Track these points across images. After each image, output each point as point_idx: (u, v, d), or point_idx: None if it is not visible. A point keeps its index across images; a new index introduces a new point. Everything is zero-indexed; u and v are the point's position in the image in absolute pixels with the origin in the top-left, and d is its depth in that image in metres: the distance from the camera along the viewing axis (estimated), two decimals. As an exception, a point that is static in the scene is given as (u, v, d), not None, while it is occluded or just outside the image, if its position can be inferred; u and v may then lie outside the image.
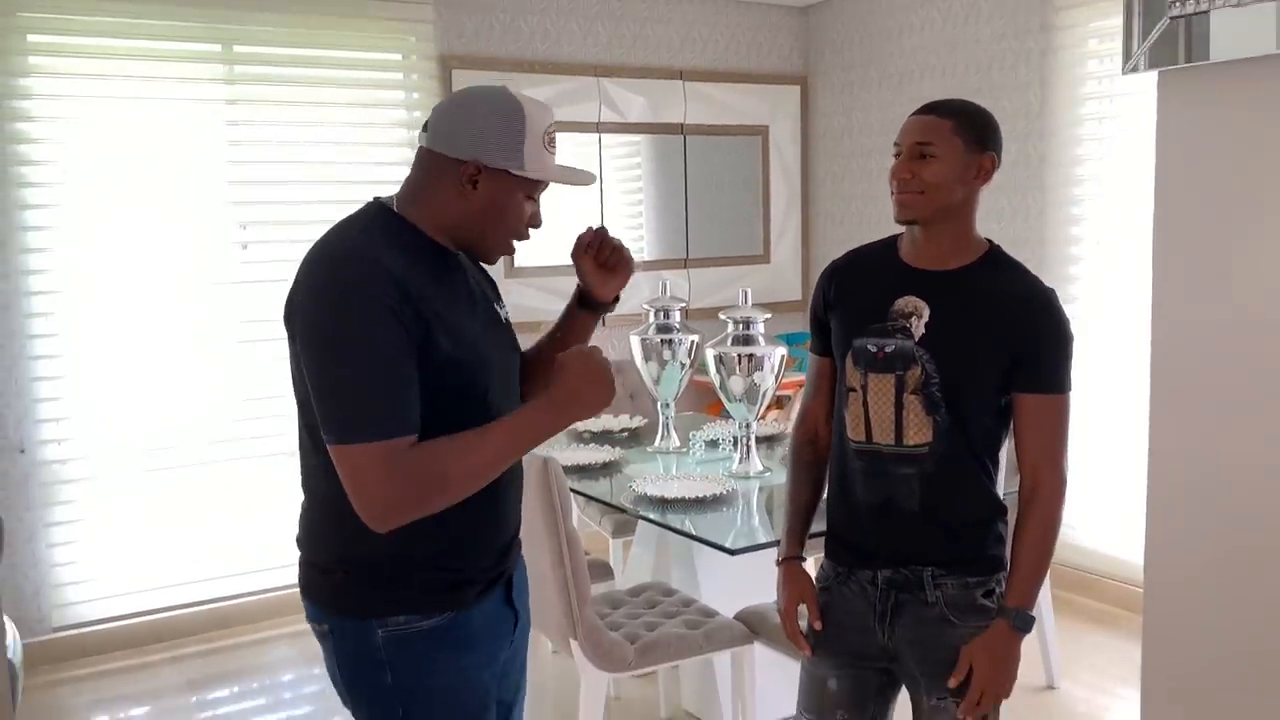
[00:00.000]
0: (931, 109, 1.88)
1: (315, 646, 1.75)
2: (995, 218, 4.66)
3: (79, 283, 4.03)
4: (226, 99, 4.25)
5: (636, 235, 5.28)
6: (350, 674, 1.69)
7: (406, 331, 1.52)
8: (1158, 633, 2.15)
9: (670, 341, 3.64)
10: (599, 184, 5.05)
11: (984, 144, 1.86)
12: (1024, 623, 1.87)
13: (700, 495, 3.02)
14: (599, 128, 5.04)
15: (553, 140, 1.65)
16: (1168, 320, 2.05)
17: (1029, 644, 3.63)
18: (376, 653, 1.64)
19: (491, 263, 1.76)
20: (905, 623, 1.91)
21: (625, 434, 3.92)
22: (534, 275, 4.90)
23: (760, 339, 3.30)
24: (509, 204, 1.63)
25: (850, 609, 1.97)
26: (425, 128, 1.65)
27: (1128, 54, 1.89)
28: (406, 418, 1.52)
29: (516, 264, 4.82)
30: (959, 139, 1.84)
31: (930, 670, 1.91)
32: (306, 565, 1.71)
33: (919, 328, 1.85)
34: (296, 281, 1.59)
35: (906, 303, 1.87)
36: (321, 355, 1.53)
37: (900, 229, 1.97)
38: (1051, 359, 1.86)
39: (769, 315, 3.34)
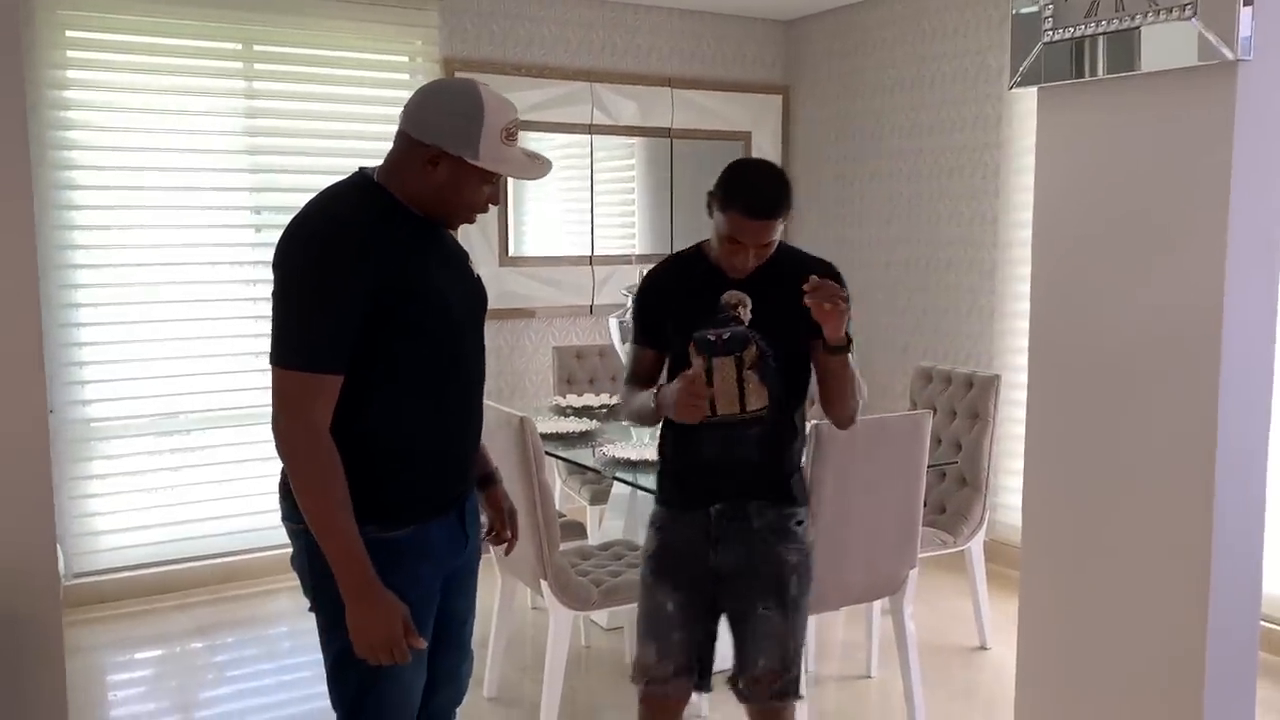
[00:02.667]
0: (767, 212, 2.14)
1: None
2: (955, 220, 5.01)
3: (106, 259, 4.41)
4: (245, 93, 4.61)
5: (628, 231, 5.63)
6: (320, 574, 1.89)
7: (359, 283, 1.79)
8: (1032, 589, 2.47)
9: (645, 325, 3.98)
10: (589, 182, 5.40)
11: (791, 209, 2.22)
12: (843, 349, 2.21)
13: (663, 459, 3.36)
14: (590, 130, 5.38)
15: (512, 135, 1.89)
16: (1044, 311, 2.37)
17: (964, 609, 3.97)
18: None
19: (452, 229, 2.03)
20: (731, 545, 2.29)
21: (604, 410, 4.26)
22: (527, 265, 5.25)
23: (723, 322, 3.64)
24: (465, 187, 1.90)
25: (684, 539, 2.34)
26: (403, 110, 1.91)
27: (1013, 72, 2.23)
28: (333, 357, 1.80)
29: (510, 254, 5.17)
30: (784, 223, 2.20)
31: (755, 583, 2.29)
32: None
33: (746, 315, 2.19)
34: (281, 238, 1.89)
35: (731, 295, 2.21)
36: (278, 288, 1.83)
37: (700, 238, 2.35)
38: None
39: (732, 301, 3.68)
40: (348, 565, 1.83)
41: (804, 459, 2.41)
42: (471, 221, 2.01)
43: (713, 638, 2.39)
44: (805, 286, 2.12)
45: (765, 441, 2.28)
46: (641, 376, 2.41)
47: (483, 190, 1.93)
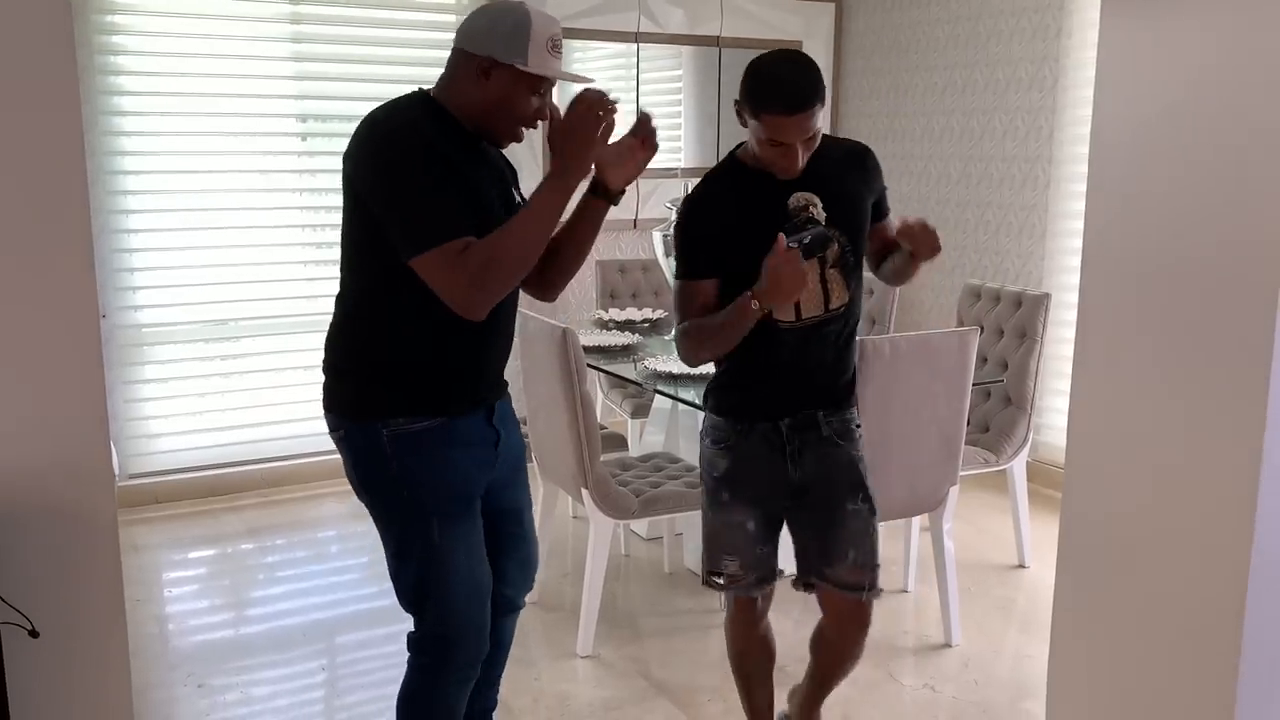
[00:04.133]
0: (802, 102, 2.04)
1: (360, 504, 2.14)
2: (1010, 135, 4.88)
3: (156, 166, 4.44)
4: (291, 18, 4.57)
5: (674, 144, 5.54)
6: (362, 468, 2.08)
7: (440, 165, 1.91)
8: (1075, 506, 2.45)
9: (689, 238, 3.94)
10: (635, 93, 5.31)
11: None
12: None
13: (705, 372, 3.35)
14: (638, 38, 5.28)
15: (556, 47, 2.00)
16: (1099, 228, 2.30)
17: (1005, 528, 3.96)
18: (382, 448, 2.02)
19: (502, 147, 2.12)
20: (810, 457, 2.29)
21: (646, 324, 4.26)
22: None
23: (769, 236, 3.60)
24: (515, 95, 1.99)
25: (757, 455, 2.29)
26: (458, 29, 2.03)
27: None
28: (459, 223, 1.89)
29: (555, 166, 5.12)
30: (822, 108, 2.09)
31: (841, 484, 2.30)
32: (328, 381, 2.11)
33: (820, 213, 2.14)
34: (351, 146, 1.98)
35: (798, 197, 2.15)
36: (384, 192, 1.93)
37: (727, 149, 2.28)
38: (884, 191, 2.37)
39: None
40: (552, 194, 1.96)
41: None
42: (519, 139, 2.09)
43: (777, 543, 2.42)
44: (900, 235, 2.20)
45: (841, 340, 2.27)
46: (707, 310, 2.21)
47: (531, 101, 2.02)
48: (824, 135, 2.20)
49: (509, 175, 2.17)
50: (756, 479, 2.32)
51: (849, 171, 2.27)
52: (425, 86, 2.07)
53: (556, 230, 2.11)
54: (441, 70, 2.06)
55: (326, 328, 2.13)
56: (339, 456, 2.12)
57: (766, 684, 2.57)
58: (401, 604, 2.14)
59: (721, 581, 2.39)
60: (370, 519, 2.15)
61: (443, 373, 2.04)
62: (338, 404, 2.09)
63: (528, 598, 2.42)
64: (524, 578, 2.34)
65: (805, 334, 2.24)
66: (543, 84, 2.00)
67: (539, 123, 2.06)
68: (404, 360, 2.02)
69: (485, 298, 1.92)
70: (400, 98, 2.05)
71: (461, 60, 2.00)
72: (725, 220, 2.21)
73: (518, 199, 2.13)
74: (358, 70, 4.64)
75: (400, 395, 2.02)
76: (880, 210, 2.36)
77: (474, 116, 2.01)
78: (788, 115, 2.04)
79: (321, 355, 2.13)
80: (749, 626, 2.48)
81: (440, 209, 1.89)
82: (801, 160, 2.12)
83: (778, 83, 2.06)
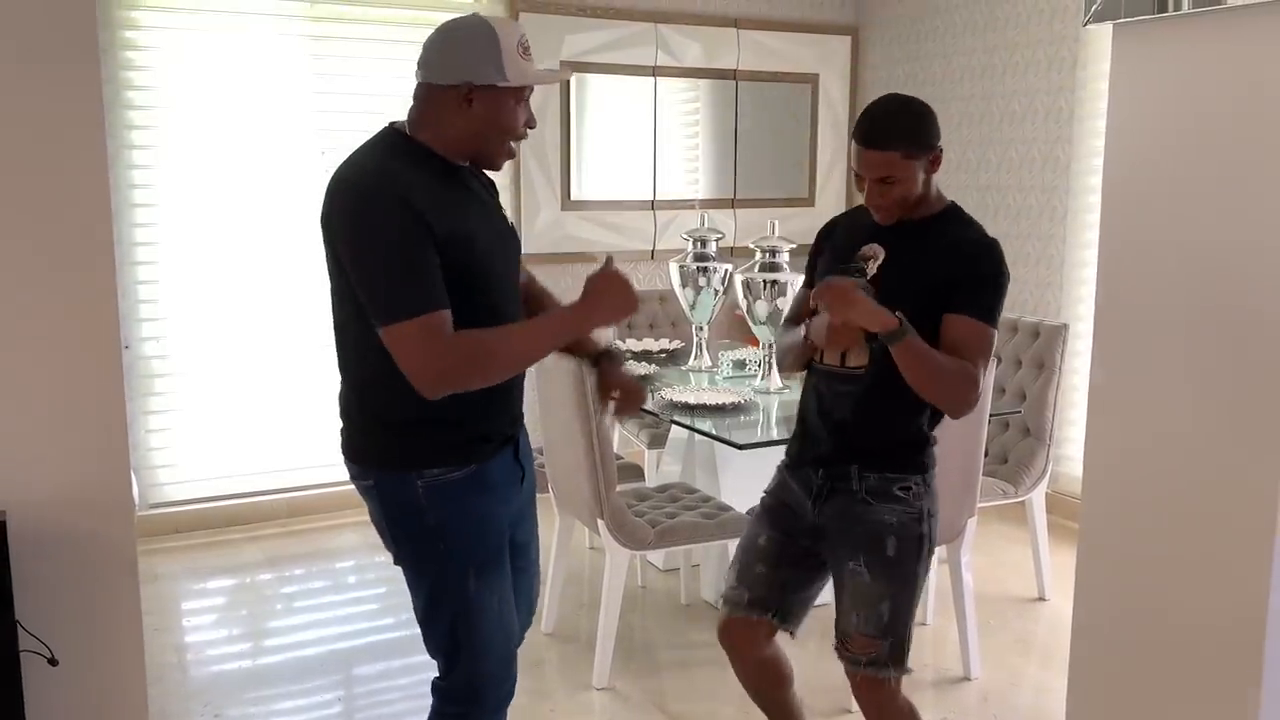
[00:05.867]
0: (877, 142, 2.10)
1: (379, 539, 2.08)
2: (1026, 166, 4.89)
3: (177, 195, 4.50)
4: (311, 35, 4.65)
5: (691, 175, 5.58)
6: (395, 519, 2.00)
7: (415, 225, 1.81)
8: (1091, 540, 2.43)
9: (705, 269, 3.97)
10: (653, 125, 5.35)
11: (930, 145, 2.15)
12: (895, 336, 2.06)
13: (722, 403, 3.36)
14: (655, 72, 5.33)
15: (526, 49, 1.92)
16: (1113, 259, 2.30)
17: (1024, 560, 3.93)
18: (417, 500, 1.95)
19: (497, 169, 2.04)
20: (833, 505, 2.26)
21: (664, 354, 4.27)
22: (589, 209, 5.23)
23: (785, 266, 3.62)
24: (503, 112, 1.91)
25: (793, 493, 2.34)
26: (419, 64, 1.94)
27: (1087, 8, 2.15)
28: (435, 296, 1.81)
29: (573, 197, 5.17)
30: (910, 161, 2.12)
31: (850, 541, 2.23)
32: (350, 432, 2.03)
33: (873, 269, 2.14)
34: (326, 201, 1.89)
35: (868, 248, 2.16)
36: (358, 256, 1.84)
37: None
38: (977, 291, 2.14)
39: (794, 245, 3.65)
40: (561, 332, 2.01)
41: (929, 429, 2.26)
42: (513, 155, 2.02)
43: (802, 585, 2.37)
44: (812, 294, 2.14)
45: (861, 402, 2.21)
46: (798, 318, 2.40)
47: (518, 113, 1.95)
48: (961, 215, 2.24)
49: (491, 195, 2.09)
50: (785, 508, 2.36)
51: (938, 250, 2.17)
52: (395, 120, 1.98)
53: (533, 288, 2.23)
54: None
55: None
56: (353, 487, 2.06)
57: (783, 709, 2.51)
58: (430, 652, 2.08)
59: (723, 591, 2.42)
60: (389, 554, 2.09)
61: (471, 421, 1.98)
62: (363, 454, 2.02)
63: (543, 629, 2.41)
64: (526, 613, 2.28)
65: (825, 383, 2.27)
66: (525, 91, 1.94)
67: (528, 132, 2.00)
68: (430, 416, 1.92)
69: (456, 383, 1.86)
70: (368, 144, 1.95)
71: (434, 94, 1.91)
72: (829, 245, 2.37)
73: (507, 222, 2.10)
74: (379, 104, 4.69)
75: (431, 447, 1.96)
76: (953, 302, 2.13)
77: (463, 146, 1.93)
78: (862, 146, 2.13)
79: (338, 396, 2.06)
80: (735, 649, 2.41)
81: (421, 278, 1.80)
82: (878, 199, 2.15)
83: (869, 115, 2.17)
